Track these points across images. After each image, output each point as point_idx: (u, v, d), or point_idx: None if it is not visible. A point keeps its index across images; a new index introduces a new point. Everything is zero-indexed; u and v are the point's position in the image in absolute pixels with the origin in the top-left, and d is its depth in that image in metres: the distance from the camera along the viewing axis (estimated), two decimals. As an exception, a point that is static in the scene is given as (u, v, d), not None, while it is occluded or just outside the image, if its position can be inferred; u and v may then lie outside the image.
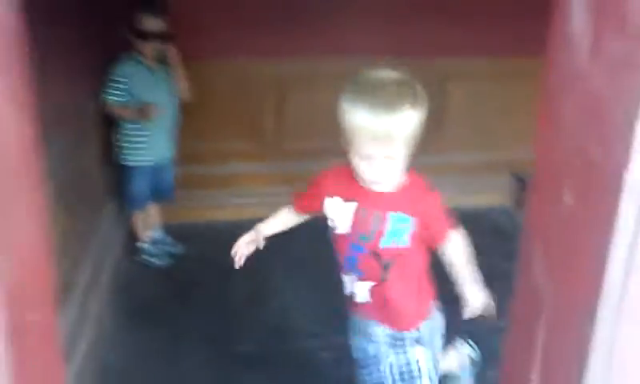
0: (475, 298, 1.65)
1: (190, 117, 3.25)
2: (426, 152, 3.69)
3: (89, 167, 2.80)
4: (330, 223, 1.74)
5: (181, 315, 2.77)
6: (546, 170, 0.78)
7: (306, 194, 1.82)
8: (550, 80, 0.81)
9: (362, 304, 1.78)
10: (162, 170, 3.10)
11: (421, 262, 1.74)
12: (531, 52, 3.59)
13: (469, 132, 3.88)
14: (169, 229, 3.31)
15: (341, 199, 1.68)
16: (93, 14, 2.85)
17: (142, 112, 2.83)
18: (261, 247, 1.91)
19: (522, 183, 3.89)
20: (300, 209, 1.87)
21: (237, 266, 1.90)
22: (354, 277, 1.75)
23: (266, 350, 2.56)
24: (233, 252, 1.92)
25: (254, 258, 3.18)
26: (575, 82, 0.74)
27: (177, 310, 2.81)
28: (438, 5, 3.53)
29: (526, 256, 0.77)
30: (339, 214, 1.68)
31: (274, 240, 3.24)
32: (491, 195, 3.99)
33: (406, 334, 1.77)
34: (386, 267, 1.67)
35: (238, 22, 3.36)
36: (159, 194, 3.16)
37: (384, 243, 1.64)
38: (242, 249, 1.92)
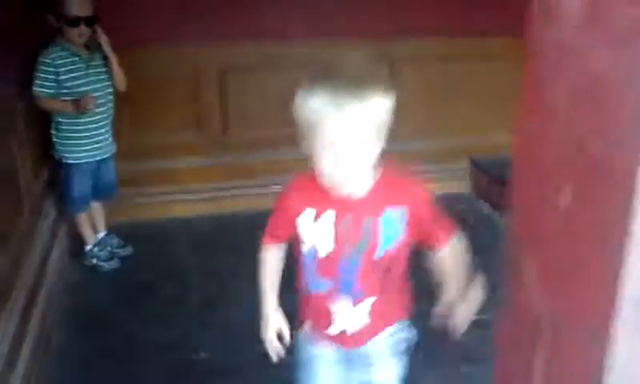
0: (462, 315, 1.49)
1: (129, 108, 3.08)
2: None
3: (20, 166, 2.58)
4: (305, 249, 1.45)
5: (132, 322, 2.59)
6: (533, 167, 0.67)
7: (275, 220, 1.53)
8: (533, 61, 0.70)
9: (356, 332, 1.53)
10: (103, 167, 2.91)
11: (406, 256, 1.52)
12: (483, 31, 3.69)
13: (423, 117, 3.79)
14: (115, 229, 3.12)
15: (313, 213, 1.41)
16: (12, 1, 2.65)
17: (77, 104, 2.64)
18: (287, 334, 1.60)
19: (479, 169, 3.85)
20: (275, 240, 1.56)
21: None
22: (348, 302, 1.48)
23: (224, 359, 2.38)
24: (270, 353, 1.60)
25: (210, 258, 3.08)
26: (565, 62, 0.63)
27: (128, 316, 2.63)
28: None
29: (514, 268, 0.65)
30: (316, 231, 1.42)
31: (230, 241, 3.13)
32: (449, 183, 3.90)
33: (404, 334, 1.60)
34: (385, 276, 1.47)
35: (174, 4, 3.20)
36: (101, 192, 2.97)
37: (381, 250, 1.42)
38: (277, 346, 1.60)
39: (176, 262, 3.02)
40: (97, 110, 2.72)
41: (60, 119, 2.75)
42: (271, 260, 1.57)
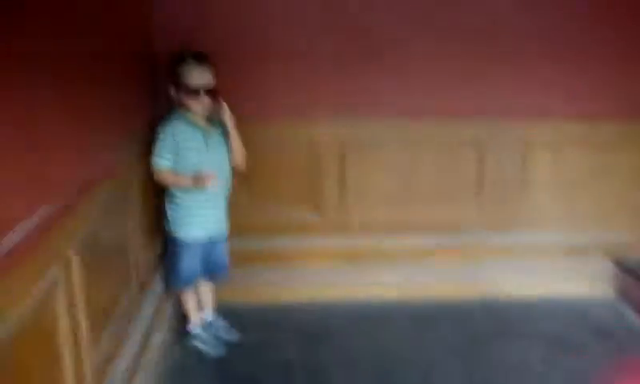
0: None
1: (246, 185, 2.96)
2: (502, 229, 3.35)
3: (131, 239, 2.50)
4: None
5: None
6: None
7: None
8: None
9: None
10: (215, 245, 2.76)
11: None
12: (630, 115, 3.29)
13: (555, 206, 3.40)
14: (223, 311, 2.95)
15: None
16: (134, 74, 2.65)
17: (196, 179, 2.53)
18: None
19: (626, 270, 3.32)
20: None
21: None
22: None
23: None
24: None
25: (319, 351, 2.81)
26: None
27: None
28: (516, 62, 3.18)
29: None
30: None
31: (335, 336, 2.86)
32: (583, 283, 3.42)
33: None
34: None
35: (290, 80, 3.11)
36: (212, 271, 2.81)
37: None
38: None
39: (282, 352, 2.77)
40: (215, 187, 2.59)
41: (175, 193, 2.65)
42: None
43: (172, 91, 2.59)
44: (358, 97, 3.16)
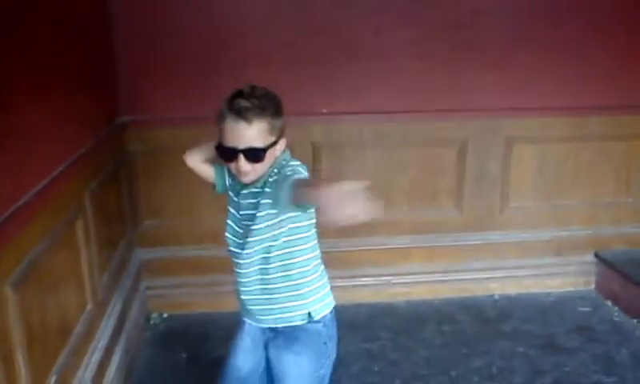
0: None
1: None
2: (487, 228, 3.25)
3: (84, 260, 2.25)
4: None
5: None
6: None
7: None
8: None
9: None
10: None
11: None
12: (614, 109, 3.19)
13: (537, 203, 3.28)
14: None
15: None
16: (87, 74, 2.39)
17: None
18: None
19: (608, 265, 3.25)
20: None
21: None
22: None
23: None
24: None
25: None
26: None
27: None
28: (497, 57, 3.01)
29: None
30: None
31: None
32: (571, 279, 3.35)
33: None
34: None
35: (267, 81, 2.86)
36: None
37: None
38: None
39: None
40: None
41: None
42: None
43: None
44: (335, 95, 2.97)
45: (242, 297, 1.75)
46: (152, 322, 3.02)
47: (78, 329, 2.08)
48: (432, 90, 3.01)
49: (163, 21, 2.79)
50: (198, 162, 1.86)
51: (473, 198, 3.22)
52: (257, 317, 1.76)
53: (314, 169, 2.96)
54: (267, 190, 1.61)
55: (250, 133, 1.56)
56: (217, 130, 1.61)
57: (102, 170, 2.49)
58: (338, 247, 3.01)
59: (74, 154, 2.15)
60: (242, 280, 1.71)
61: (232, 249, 1.73)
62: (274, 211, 1.60)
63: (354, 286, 3.15)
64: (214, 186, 1.87)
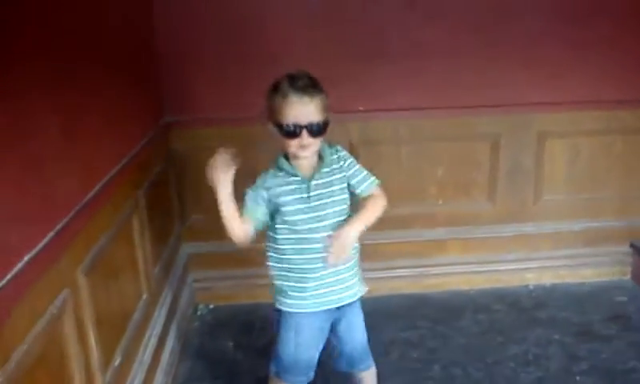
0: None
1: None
2: (521, 220, 3.31)
3: (139, 253, 2.42)
4: None
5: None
6: None
7: None
8: None
9: None
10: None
11: None
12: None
13: (570, 195, 3.34)
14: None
15: None
16: (135, 81, 2.54)
17: None
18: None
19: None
20: None
21: None
22: None
23: None
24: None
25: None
26: None
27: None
28: (528, 51, 3.08)
29: None
30: None
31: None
32: (607, 269, 3.40)
33: None
34: None
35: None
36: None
37: None
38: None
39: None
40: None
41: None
42: None
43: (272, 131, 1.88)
44: (369, 94, 3.07)
45: (314, 282, 1.91)
46: (199, 312, 3.17)
47: (136, 316, 2.24)
48: (459, 86, 3.09)
49: (203, 26, 2.93)
50: (240, 225, 1.85)
51: (506, 191, 3.29)
52: (329, 296, 1.94)
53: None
54: (335, 166, 1.92)
55: (312, 108, 1.78)
56: (268, 113, 1.84)
57: (151, 169, 2.65)
58: (375, 240, 3.13)
59: (127, 155, 2.31)
60: (317, 264, 1.89)
61: (305, 236, 1.88)
62: (344, 184, 1.93)
63: (391, 277, 3.25)
64: (255, 227, 1.90)
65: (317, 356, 2.03)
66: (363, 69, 3.03)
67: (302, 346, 1.98)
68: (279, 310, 2.00)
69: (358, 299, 2.03)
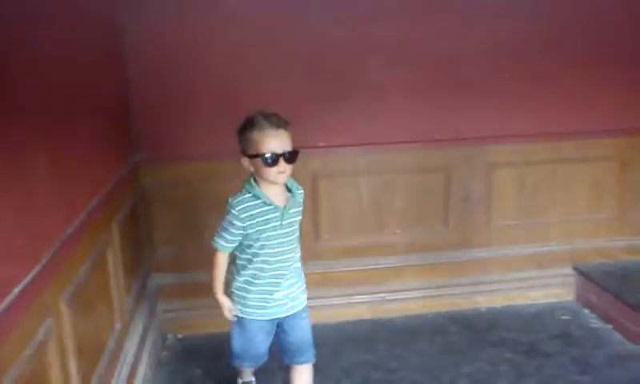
0: None
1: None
2: (473, 246, 3.55)
3: (113, 283, 2.52)
4: None
5: None
6: None
7: None
8: None
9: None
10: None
11: None
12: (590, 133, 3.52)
13: (519, 221, 3.59)
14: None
15: None
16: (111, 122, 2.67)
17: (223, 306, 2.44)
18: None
19: (585, 277, 3.53)
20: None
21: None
22: None
23: None
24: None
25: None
26: None
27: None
28: (477, 87, 3.35)
29: None
30: None
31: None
32: (550, 291, 3.63)
33: None
34: None
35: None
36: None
37: None
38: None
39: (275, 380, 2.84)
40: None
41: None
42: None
43: (245, 162, 2.18)
44: (330, 130, 3.29)
45: (283, 292, 2.28)
46: (168, 342, 3.27)
47: (110, 345, 2.35)
48: (415, 122, 3.34)
49: (172, 67, 3.10)
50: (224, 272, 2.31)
51: (459, 218, 3.52)
52: (289, 304, 2.31)
53: (313, 196, 3.27)
54: (300, 200, 2.30)
55: (286, 139, 2.13)
56: (243, 146, 2.17)
57: (124, 204, 2.78)
58: (335, 268, 3.32)
59: (103, 191, 2.44)
60: (287, 280, 2.27)
61: (277, 263, 2.23)
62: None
63: (351, 303, 3.42)
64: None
65: (265, 347, 2.39)
66: (326, 108, 3.25)
67: (253, 342, 2.36)
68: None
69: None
